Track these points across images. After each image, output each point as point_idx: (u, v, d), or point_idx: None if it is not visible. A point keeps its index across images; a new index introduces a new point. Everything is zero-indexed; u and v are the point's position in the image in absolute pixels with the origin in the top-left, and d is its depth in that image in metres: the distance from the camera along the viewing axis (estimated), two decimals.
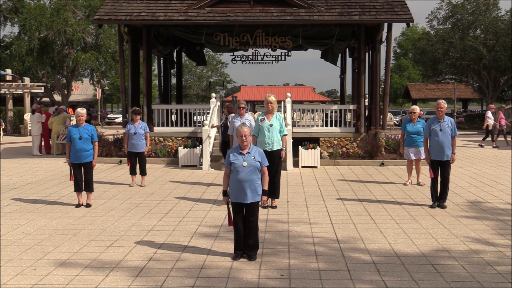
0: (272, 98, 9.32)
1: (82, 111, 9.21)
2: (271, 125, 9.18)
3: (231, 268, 5.89)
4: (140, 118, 11.61)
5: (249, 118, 11.22)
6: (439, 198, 9.18)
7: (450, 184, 10.51)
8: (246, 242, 6.24)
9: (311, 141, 15.16)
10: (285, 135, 9.44)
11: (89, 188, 9.28)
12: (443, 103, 9.19)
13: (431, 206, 9.15)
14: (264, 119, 9.28)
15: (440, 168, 9.12)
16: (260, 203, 6.34)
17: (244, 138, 6.21)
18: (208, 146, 14.48)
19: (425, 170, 11.86)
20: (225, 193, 6.33)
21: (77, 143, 9.04)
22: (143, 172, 11.48)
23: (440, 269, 5.86)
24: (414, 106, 11.76)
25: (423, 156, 11.15)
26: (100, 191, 10.70)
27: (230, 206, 6.35)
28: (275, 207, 9.15)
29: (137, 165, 11.48)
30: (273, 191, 9.07)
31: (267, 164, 6.39)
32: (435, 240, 7.05)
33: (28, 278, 5.59)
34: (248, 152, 6.24)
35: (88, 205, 9.20)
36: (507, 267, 5.94)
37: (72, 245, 6.81)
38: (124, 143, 11.66)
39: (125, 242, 6.98)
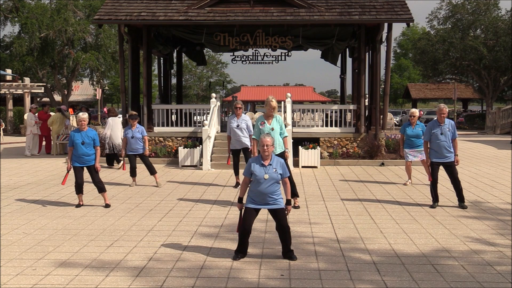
0: (275, 102, 9.29)
1: (83, 115, 9.16)
2: (272, 129, 9.14)
3: (231, 268, 5.89)
4: (138, 122, 11.60)
5: (246, 119, 11.23)
6: (458, 200, 9.20)
7: (450, 184, 10.52)
8: (285, 246, 6.21)
9: (311, 141, 15.16)
10: (286, 136, 9.43)
11: (102, 190, 9.27)
12: (445, 108, 9.23)
13: (431, 206, 9.16)
14: (264, 122, 9.24)
15: (447, 171, 9.15)
16: (286, 212, 6.29)
17: (266, 148, 6.10)
18: (208, 146, 14.48)
19: None
20: (240, 200, 6.29)
21: (79, 148, 9.02)
22: (152, 171, 11.43)
23: (440, 269, 5.86)
24: (413, 110, 11.76)
25: (425, 157, 11.17)
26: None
27: (242, 212, 6.27)
28: (298, 207, 9.13)
29: (136, 167, 11.52)
30: (292, 192, 9.08)
31: (288, 174, 6.32)
32: (435, 240, 7.05)
33: (28, 278, 5.59)
34: (270, 164, 6.15)
35: (107, 206, 9.19)
36: (507, 267, 5.94)
37: (72, 245, 6.81)
38: (122, 147, 11.69)
39: (125, 242, 6.98)
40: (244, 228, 6.15)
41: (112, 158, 14.61)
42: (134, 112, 11.87)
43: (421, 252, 6.52)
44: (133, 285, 5.38)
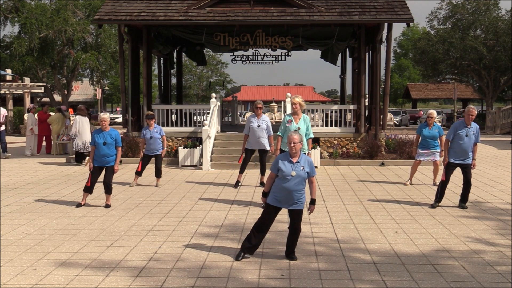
0: (296, 99, 9.22)
1: (105, 115, 9.12)
2: (298, 129, 9.10)
3: (231, 268, 5.89)
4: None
5: (266, 119, 11.22)
6: (461, 199, 9.22)
7: (451, 184, 10.53)
8: (289, 247, 6.23)
9: None
10: (311, 138, 9.39)
11: (109, 191, 9.27)
12: (475, 110, 9.21)
13: (431, 206, 9.16)
14: (291, 121, 9.20)
15: (462, 172, 9.15)
16: (308, 213, 6.32)
17: (292, 145, 6.05)
18: (208, 146, 14.48)
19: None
20: (265, 194, 6.29)
21: (101, 148, 9.00)
22: (159, 174, 11.48)
23: (440, 269, 5.86)
24: (431, 111, 11.63)
25: (437, 158, 11.18)
26: (100, 191, 10.66)
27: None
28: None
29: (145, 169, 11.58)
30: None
31: (316, 174, 6.30)
32: (435, 240, 7.05)
33: (28, 278, 5.59)
34: (298, 161, 6.11)
35: (107, 206, 9.20)
36: (507, 267, 5.94)
37: (72, 245, 6.81)
38: (140, 148, 11.72)
39: (125, 242, 6.98)
40: (262, 222, 6.16)
41: (81, 156, 14.79)
42: (151, 112, 11.83)
43: (421, 252, 6.52)
44: (133, 285, 5.38)
